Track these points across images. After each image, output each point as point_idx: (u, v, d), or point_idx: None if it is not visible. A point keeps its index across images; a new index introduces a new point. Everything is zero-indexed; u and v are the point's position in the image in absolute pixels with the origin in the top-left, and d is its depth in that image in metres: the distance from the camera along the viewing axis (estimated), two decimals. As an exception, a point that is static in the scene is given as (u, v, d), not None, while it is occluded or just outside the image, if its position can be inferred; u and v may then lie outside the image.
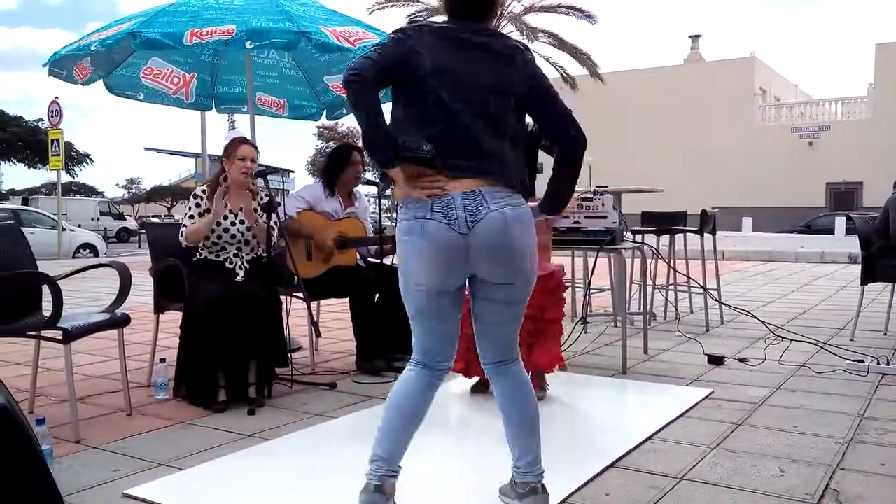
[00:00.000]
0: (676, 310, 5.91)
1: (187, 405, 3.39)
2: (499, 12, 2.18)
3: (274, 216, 3.69)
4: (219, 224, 3.59)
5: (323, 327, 3.81)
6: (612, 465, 2.61)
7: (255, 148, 3.70)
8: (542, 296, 3.33)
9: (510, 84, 2.03)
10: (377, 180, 3.71)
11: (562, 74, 22.47)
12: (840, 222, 21.36)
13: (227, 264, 3.63)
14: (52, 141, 15.55)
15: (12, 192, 39.10)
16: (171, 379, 3.57)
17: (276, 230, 3.71)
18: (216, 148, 17.77)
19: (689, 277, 5.64)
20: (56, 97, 15.68)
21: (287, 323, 3.78)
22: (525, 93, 2.06)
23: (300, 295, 4.02)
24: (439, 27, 2.06)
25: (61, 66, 4.49)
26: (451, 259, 1.97)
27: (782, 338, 4.84)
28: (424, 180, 1.96)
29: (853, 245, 14.26)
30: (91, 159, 35.03)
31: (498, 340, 2.14)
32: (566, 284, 3.58)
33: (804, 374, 4.00)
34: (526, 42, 20.61)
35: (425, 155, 1.95)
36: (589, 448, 2.85)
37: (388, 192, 2.13)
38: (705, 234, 5.68)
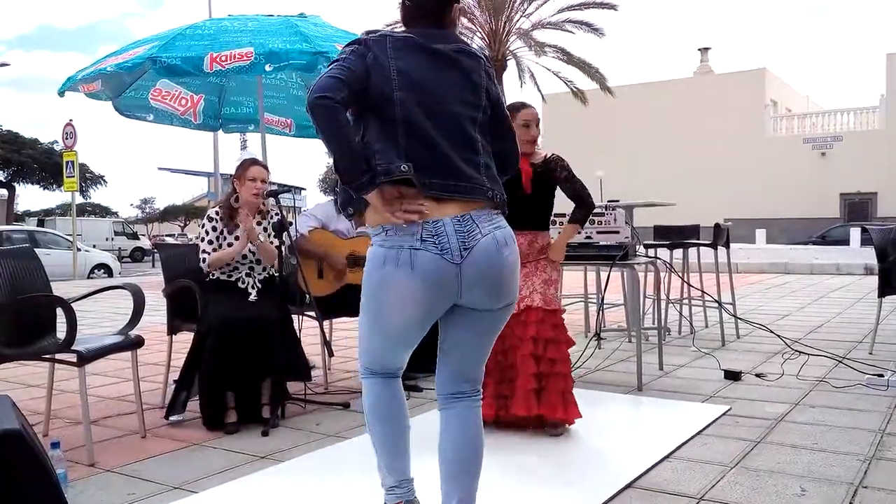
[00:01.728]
0: (691, 324, 5.86)
1: (201, 426, 3.38)
2: (457, 21, 2.06)
3: (285, 235, 3.70)
4: (230, 245, 3.60)
5: (335, 346, 3.80)
6: (629, 486, 2.57)
7: (266, 168, 3.72)
8: (546, 328, 3.22)
9: (478, 97, 1.96)
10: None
11: (571, 89, 22.52)
12: (855, 233, 21.18)
13: (240, 284, 3.63)
14: (67, 163, 15.70)
15: (28, 214, 39.56)
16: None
17: (287, 249, 3.72)
18: (228, 167, 17.92)
19: (703, 291, 5.59)
20: (70, 120, 15.84)
21: (300, 340, 3.77)
22: (488, 106, 1.98)
23: (312, 314, 4.01)
24: (403, 37, 1.92)
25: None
26: (441, 293, 1.85)
27: (800, 352, 4.78)
28: (406, 204, 1.82)
29: (869, 256, 14.12)
30: (105, 180, 35.44)
31: (463, 369, 2.03)
32: (567, 328, 3.37)
33: (823, 388, 3.95)
34: (535, 56, 20.74)
35: (402, 174, 1.80)
36: (605, 468, 2.81)
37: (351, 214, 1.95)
38: (719, 248, 5.64)
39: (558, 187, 3.39)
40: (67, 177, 15.71)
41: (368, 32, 1.94)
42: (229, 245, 3.61)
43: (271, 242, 3.69)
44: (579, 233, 4.10)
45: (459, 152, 1.88)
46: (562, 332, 3.28)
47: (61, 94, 4.50)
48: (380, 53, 1.87)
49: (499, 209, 1.98)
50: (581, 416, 3.23)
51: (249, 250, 3.63)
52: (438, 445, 2.01)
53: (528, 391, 3.15)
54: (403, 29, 2.00)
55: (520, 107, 3.32)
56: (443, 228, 1.83)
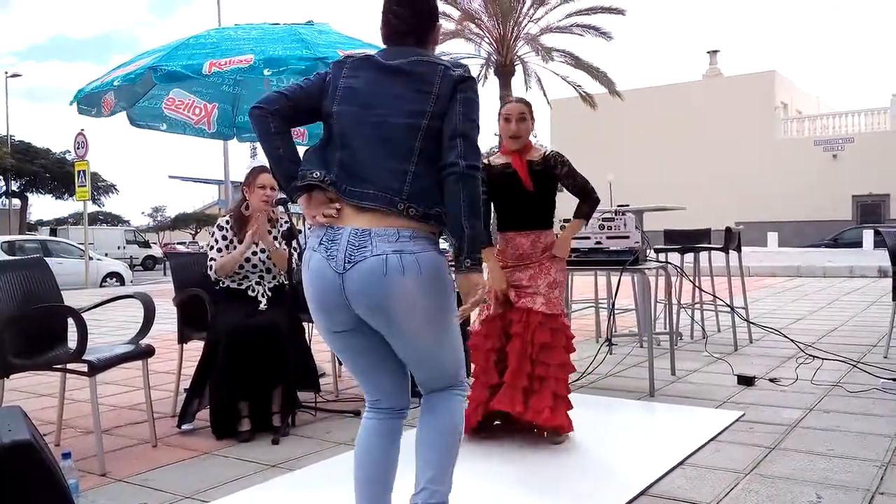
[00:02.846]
0: (703, 329, 5.81)
1: (211, 435, 3.38)
2: (437, 41, 2.05)
3: (294, 243, 3.70)
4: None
5: (346, 354, 3.80)
6: (642, 494, 2.55)
7: (276, 176, 3.72)
8: (544, 333, 3.15)
9: (423, 104, 1.85)
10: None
11: (579, 93, 22.49)
12: (868, 235, 21.02)
13: (250, 293, 3.64)
14: (79, 172, 15.82)
15: (41, 223, 39.87)
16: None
17: (297, 257, 3.72)
18: (239, 175, 17.97)
19: (714, 296, 5.55)
20: (82, 129, 15.98)
21: (310, 349, 3.77)
22: (440, 111, 1.86)
23: (323, 322, 4.00)
24: (363, 57, 1.96)
25: (90, 103, 4.58)
26: (330, 299, 1.83)
27: (813, 356, 4.74)
28: (323, 208, 1.86)
29: (883, 259, 13.93)
30: (116, 189, 35.73)
31: (417, 377, 2.00)
32: (572, 335, 3.31)
33: (838, 393, 3.90)
34: (542, 62, 20.73)
35: (318, 181, 1.85)
36: (617, 475, 2.78)
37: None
38: (730, 251, 5.60)
39: (560, 184, 3.37)
40: (79, 186, 15.83)
41: (346, 58, 2.00)
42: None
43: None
44: (588, 238, 4.10)
45: (384, 162, 1.83)
46: (560, 337, 3.20)
47: (74, 105, 4.54)
48: (336, 74, 1.95)
49: (421, 225, 1.81)
50: (572, 430, 3.16)
51: (260, 259, 3.64)
52: (417, 435, 2.01)
53: (516, 389, 3.11)
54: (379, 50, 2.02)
55: (504, 102, 3.33)
56: (340, 237, 1.81)
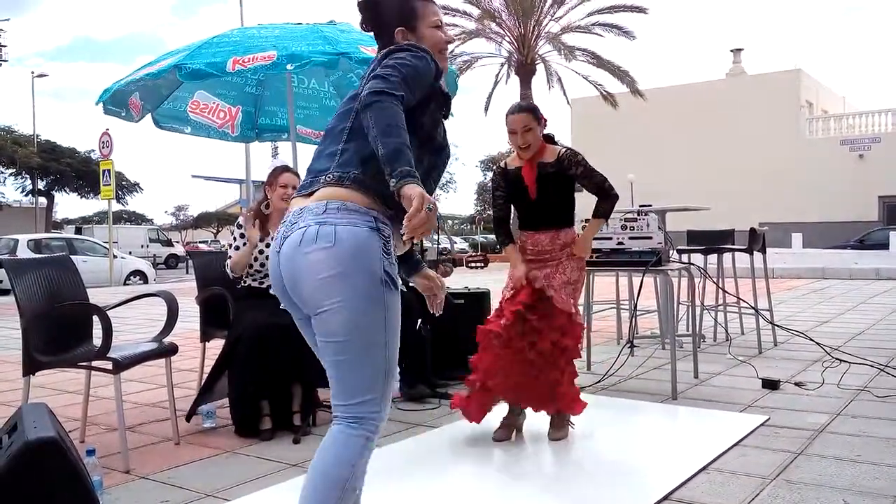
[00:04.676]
0: (727, 331, 5.75)
1: (233, 434, 3.40)
2: (402, 41, 1.93)
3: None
4: (262, 252, 3.62)
5: (366, 353, 3.80)
6: (664, 498, 2.52)
7: (297, 175, 3.74)
8: (548, 323, 3.17)
9: (358, 88, 1.85)
10: None
11: (601, 92, 22.35)
12: (895, 237, 20.67)
13: (271, 291, 3.64)
14: (104, 171, 16.02)
15: (66, 221, 40.45)
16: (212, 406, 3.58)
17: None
18: (260, 174, 18.09)
19: (738, 298, 5.49)
20: (107, 129, 16.15)
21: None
22: None
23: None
24: None
25: (117, 104, 4.62)
26: (275, 283, 1.82)
27: (840, 360, 4.66)
28: None
29: (911, 261, 13.66)
30: (140, 188, 36.21)
31: (331, 378, 1.77)
32: (580, 335, 3.29)
33: (865, 398, 3.84)
34: (564, 60, 20.63)
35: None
36: (639, 480, 2.76)
37: None
38: (755, 253, 5.53)
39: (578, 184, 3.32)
40: (104, 185, 16.03)
41: None
42: (260, 252, 3.64)
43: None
44: (610, 238, 4.06)
45: (324, 150, 1.84)
46: (566, 335, 3.18)
47: (100, 105, 4.59)
48: None
49: (357, 198, 1.70)
50: (585, 405, 3.23)
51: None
52: None
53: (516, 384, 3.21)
54: None
55: (508, 112, 3.22)
56: (287, 218, 1.79)
